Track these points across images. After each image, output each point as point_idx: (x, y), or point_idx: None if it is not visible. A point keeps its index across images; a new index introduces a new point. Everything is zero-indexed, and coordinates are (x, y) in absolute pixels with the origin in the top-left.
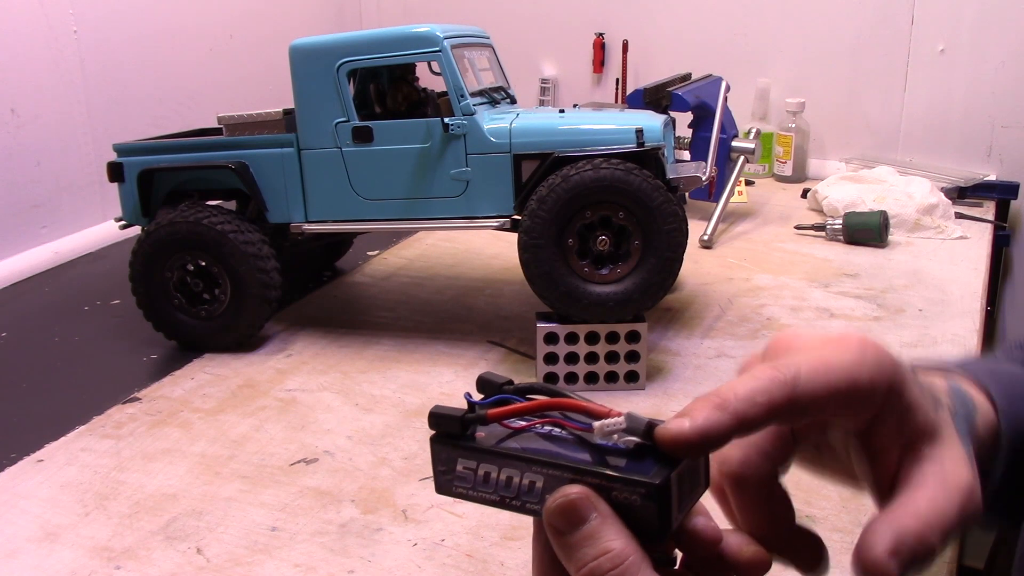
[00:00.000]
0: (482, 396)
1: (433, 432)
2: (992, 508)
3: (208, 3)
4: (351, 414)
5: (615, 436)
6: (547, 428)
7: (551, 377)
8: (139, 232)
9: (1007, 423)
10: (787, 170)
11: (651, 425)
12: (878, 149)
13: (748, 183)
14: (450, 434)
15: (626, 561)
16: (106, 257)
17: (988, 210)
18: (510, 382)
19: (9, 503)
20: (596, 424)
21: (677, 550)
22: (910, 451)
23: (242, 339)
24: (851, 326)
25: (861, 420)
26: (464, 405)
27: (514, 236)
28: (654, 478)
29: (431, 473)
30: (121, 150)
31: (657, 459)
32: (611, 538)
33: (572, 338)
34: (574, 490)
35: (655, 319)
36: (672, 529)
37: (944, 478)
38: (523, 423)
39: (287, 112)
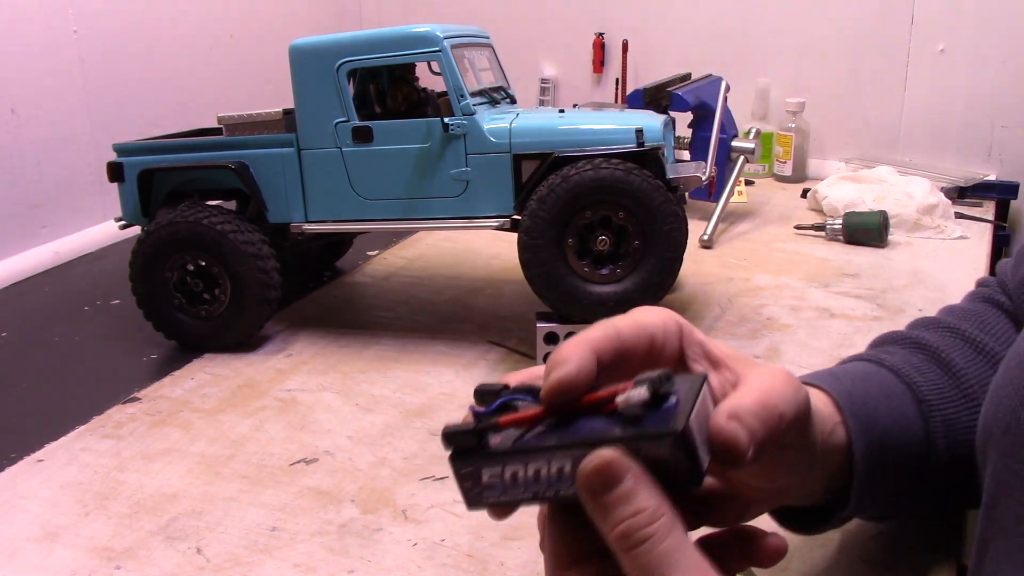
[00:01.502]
0: (483, 406)
1: (451, 452)
2: (860, 504)
3: (208, 3)
4: (351, 414)
5: (639, 408)
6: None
7: None
8: (139, 232)
9: (852, 419)
10: (787, 170)
11: (665, 377)
12: (878, 149)
13: (748, 183)
14: (468, 449)
15: (660, 519)
16: (106, 257)
17: (988, 210)
18: (506, 387)
19: (9, 503)
20: (619, 400)
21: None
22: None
23: (242, 339)
24: (851, 326)
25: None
26: (469, 420)
27: (514, 236)
28: (675, 425)
29: (431, 473)
30: (121, 150)
31: (669, 407)
32: (646, 497)
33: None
34: (607, 452)
35: None
36: (704, 471)
37: (761, 372)
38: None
39: (287, 112)
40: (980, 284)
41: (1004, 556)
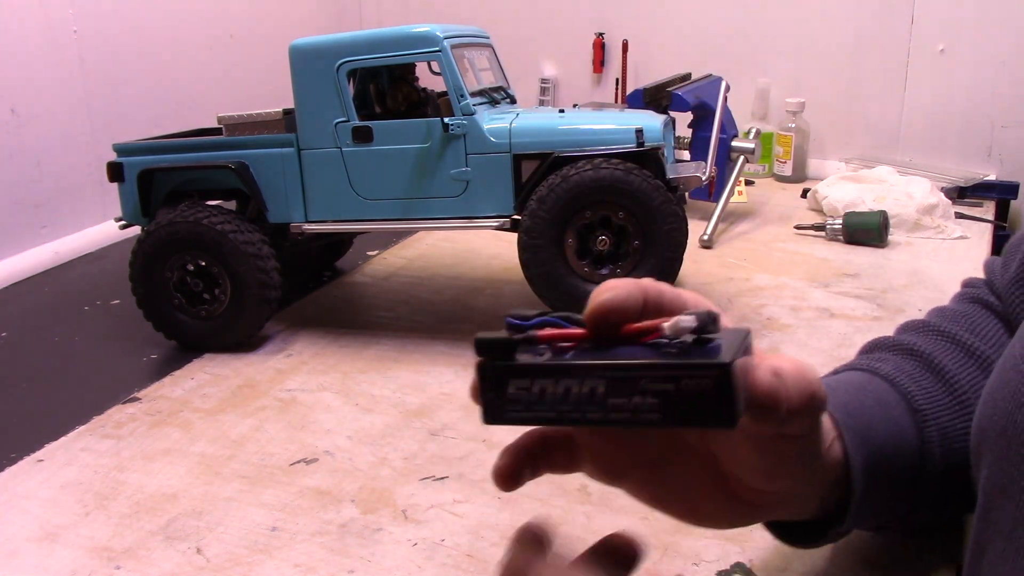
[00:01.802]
0: (511, 331)
1: (480, 360)
2: (860, 513)
3: (208, 3)
4: (351, 414)
5: (686, 336)
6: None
7: None
8: (139, 232)
9: (848, 432)
10: (787, 170)
11: (711, 316)
12: (878, 149)
13: (748, 183)
14: (499, 358)
15: None
16: (106, 257)
17: (988, 210)
18: (542, 313)
19: (9, 503)
20: (668, 324)
21: None
22: None
23: (242, 339)
24: (851, 326)
25: None
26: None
27: (514, 236)
28: (723, 357)
29: (431, 473)
30: (121, 150)
31: (714, 347)
32: None
33: None
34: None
35: None
36: (740, 414)
37: (789, 356)
38: (569, 344)
39: (287, 112)
40: (967, 284)
41: (1001, 559)
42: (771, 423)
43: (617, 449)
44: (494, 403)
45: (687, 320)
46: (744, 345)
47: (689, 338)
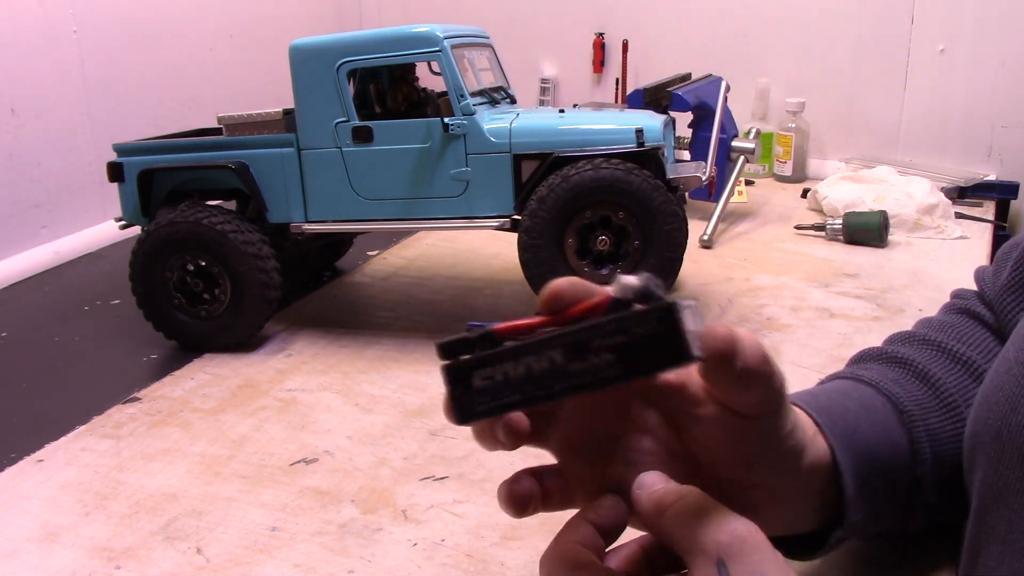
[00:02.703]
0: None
1: (444, 363)
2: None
3: (208, 3)
4: (351, 414)
5: (630, 292)
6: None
7: None
8: (139, 232)
9: (832, 434)
10: (787, 170)
11: (656, 280)
12: (878, 149)
13: (748, 183)
14: (461, 357)
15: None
16: (106, 257)
17: (988, 210)
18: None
19: (9, 503)
20: (612, 285)
21: None
22: None
23: (242, 339)
24: (851, 326)
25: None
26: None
27: (514, 236)
28: (664, 301)
29: (431, 473)
30: (121, 150)
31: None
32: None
33: None
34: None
35: None
36: (692, 351)
37: None
38: (526, 333)
39: (287, 112)
40: (955, 295)
41: (997, 563)
42: (727, 377)
43: (601, 464)
44: (463, 400)
45: (631, 279)
46: (692, 305)
47: (636, 308)
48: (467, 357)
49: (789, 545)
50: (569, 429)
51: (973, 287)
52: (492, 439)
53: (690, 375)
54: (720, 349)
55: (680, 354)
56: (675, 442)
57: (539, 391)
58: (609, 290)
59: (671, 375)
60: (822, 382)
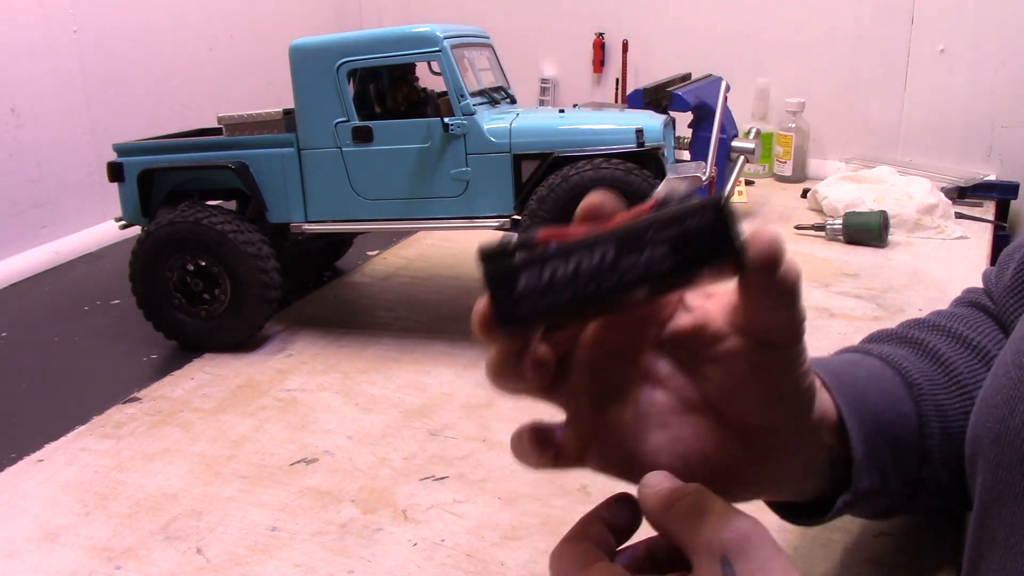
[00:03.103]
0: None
1: (485, 264)
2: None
3: (208, 3)
4: (351, 414)
5: (677, 196)
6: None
7: None
8: (139, 232)
9: (842, 399)
10: (787, 170)
11: (699, 183)
12: (878, 149)
13: (748, 183)
14: (505, 261)
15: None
16: (106, 257)
17: (988, 210)
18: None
19: (9, 503)
20: (658, 189)
21: None
22: None
23: (242, 339)
24: (851, 326)
25: None
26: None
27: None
28: (717, 197)
29: (431, 473)
30: (121, 150)
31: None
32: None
33: None
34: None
35: None
36: (743, 249)
37: None
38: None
39: (287, 112)
40: (966, 291)
41: (998, 568)
42: (767, 286)
43: (613, 417)
44: (505, 304)
45: (679, 182)
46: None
47: (684, 186)
48: (511, 260)
49: (797, 512)
50: (581, 380)
51: (976, 286)
52: (514, 375)
53: (709, 313)
54: (766, 253)
55: (732, 250)
56: (689, 390)
57: (589, 287)
58: (656, 193)
59: (687, 320)
60: (832, 355)
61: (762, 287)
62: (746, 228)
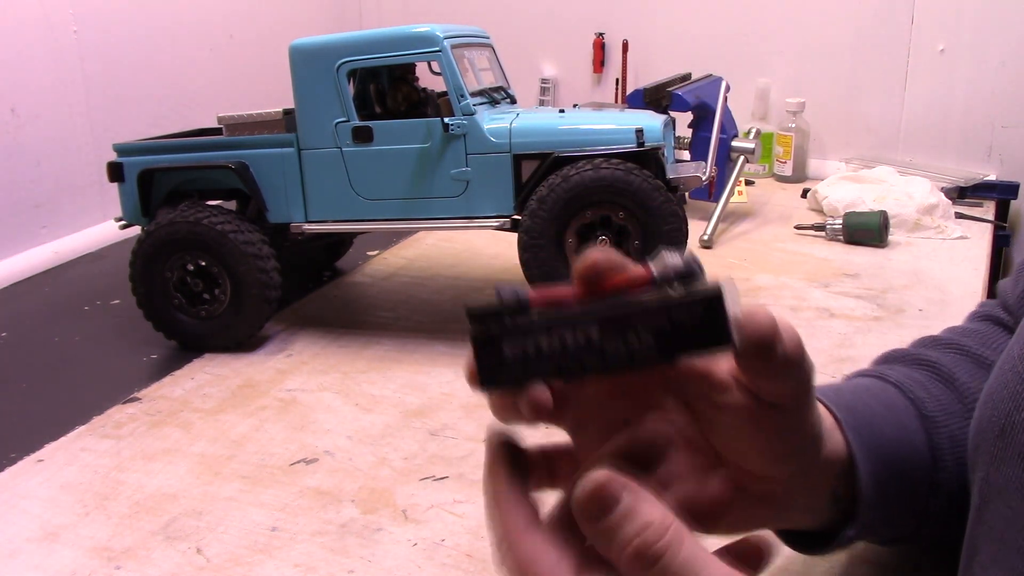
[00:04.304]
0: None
1: (473, 328)
2: (868, 526)
3: (208, 3)
4: (351, 414)
5: (671, 271)
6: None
7: None
8: (139, 232)
9: (852, 431)
10: (787, 170)
11: (696, 259)
12: (878, 149)
13: (748, 183)
14: (491, 325)
15: (671, 530)
16: (106, 257)
17: (988, 210)
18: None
19: (9, 503)
20: (654, 263)
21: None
22: None
23: (242, 339)
24: (851, 326)
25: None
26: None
27: (514, 236)
28: (713, 286)
29: (431, 473)
30: (121, 150)
31: (700, 283)
32: (649, 511)
33: None
34: (600, 474)
35: None
36: (735, 339)
37: None
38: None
39: (287, 112)
40: (981, 305)
41: (992, 561)
42: (765, 365)
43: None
44: (490, 367)
45: (674, 256)
46: (729, 288)
47: (677, 287)
48: (498, 324)
49: (800, 540)
50: (587, 409)
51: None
52: (513, 412)
53: (716, 361)
54: (761, 336)
55: (722, 341)
56: (692, 430)
57: (571, 366)
58: (650, 266)
59: (696, 361)
60: (848, 377)
61: (759, 367)
62: (734, 307)
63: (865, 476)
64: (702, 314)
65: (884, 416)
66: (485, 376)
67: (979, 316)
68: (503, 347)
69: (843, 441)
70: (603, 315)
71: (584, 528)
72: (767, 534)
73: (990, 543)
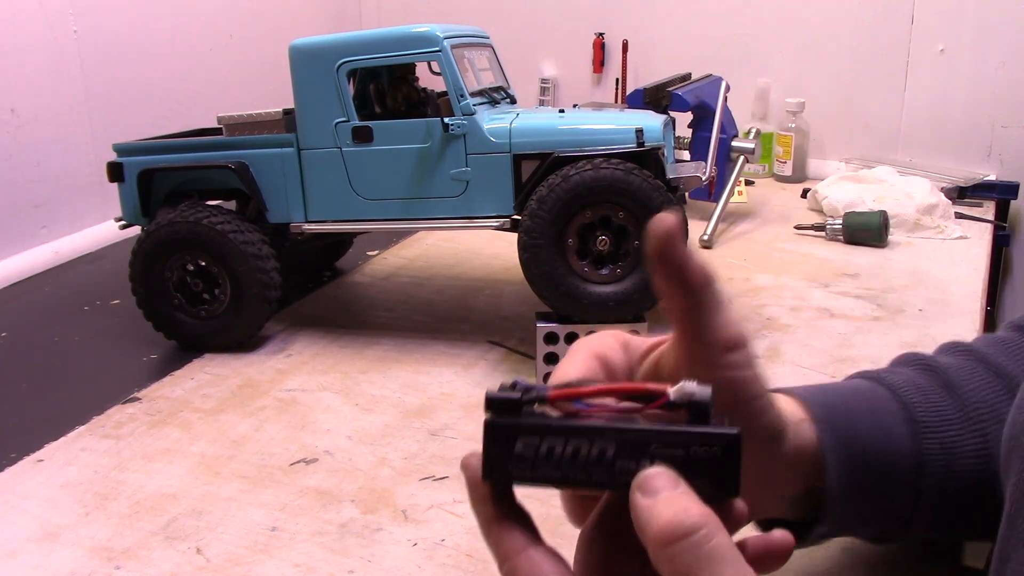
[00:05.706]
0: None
1: (488, 415)
2: (839, 521)
3: (208, 3)
4: (351, 414)
5: (685, 400)
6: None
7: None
8: (139, 232)
9: (822, 424)
10: (787, 170)
11: (712, 394)
12: (878, 149)
13: (748, 183)
14: (508, 415)
15: (710, 520)
16: (106, 257)
17: (988, 210)
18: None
19: (9, 503)
20: (673, 390)
21: None
22: None
23: (242, 339)
24: (851, 326)
25: None
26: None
27: (514, 236)
28: (733, 429)
29: (431, 473)
30: (121, 150)
31: (715, 422)
32: (695, 502)
33: (572, 338)
34: (658, 469)
35: (655, 319)
36: (740, 490)
37: None
38: (579, 407)
39: (287, 112)
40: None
41: None
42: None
43: None
44: (498, 459)
45: (694, 388)
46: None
47: (691, 418)
48: (515, 417)
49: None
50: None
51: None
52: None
53: (662, 356)
54: (696, 274)
55: (731, 488)
56: None
57: (580, 476)
58: (670, 390)
59: (649, 359)
60: (849, 377)
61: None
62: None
63: (832, 468)
64: (719, 455)
65: (864, 416)
66: (490, 466)
67: (1013, 326)
68: (516, 443)
69: (814, 437)
70: (623, 435)
71: (634, 502)
72: (784, 534)
73: (1022, 548)
